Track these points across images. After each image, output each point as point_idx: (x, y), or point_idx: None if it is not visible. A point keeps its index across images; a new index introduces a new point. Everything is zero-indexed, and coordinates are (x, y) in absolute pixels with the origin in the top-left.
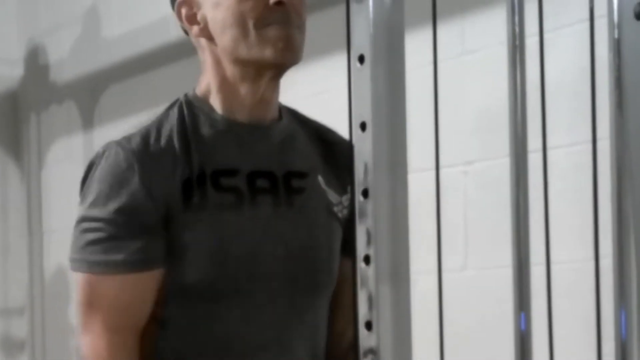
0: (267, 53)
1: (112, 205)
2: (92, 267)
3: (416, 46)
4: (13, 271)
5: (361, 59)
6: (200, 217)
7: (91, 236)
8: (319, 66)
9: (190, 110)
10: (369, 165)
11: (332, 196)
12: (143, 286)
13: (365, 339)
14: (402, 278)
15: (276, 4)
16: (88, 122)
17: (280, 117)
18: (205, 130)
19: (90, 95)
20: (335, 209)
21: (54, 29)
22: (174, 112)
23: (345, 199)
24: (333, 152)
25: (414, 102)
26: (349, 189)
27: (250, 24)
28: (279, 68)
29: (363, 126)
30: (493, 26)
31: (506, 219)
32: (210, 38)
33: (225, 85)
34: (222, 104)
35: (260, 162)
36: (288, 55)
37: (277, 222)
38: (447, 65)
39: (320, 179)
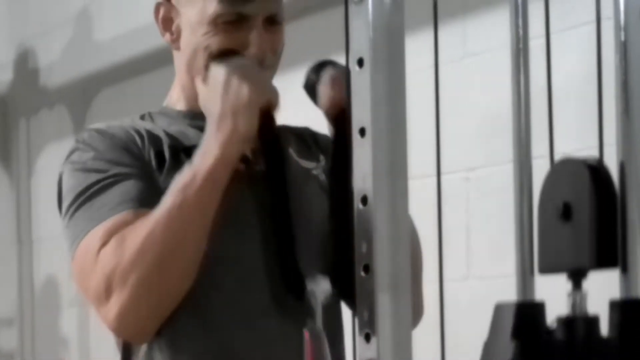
0: None
1: (97, 171)
2: (97, 220)
3: (417, 49)
4: (2, 281)
5: (360, 62)
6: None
7: (88, 203)
8: None
9: (158, 115)
10: (368, 172)
11: (307, 164)
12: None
13: (364, 350)
14: (403, 288)
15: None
16: (80, 127)
17: None
18: (171, 127)
19: (81, 99)
20: (314, 171)
21: (44, 31)
22: (142, 118)
23: (319, 166)
24: (302, 134)
25: (414, 106)
26: (320, 159)
27: (202, 67)
28: None
29: (362, 132)
30: (496, 28)
31: (509, 227)
32: (179, 50)
33: (191, 88)
34: (187, 101)
35: None
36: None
37: (248, 186)
38: (449, 68)
39: (291, 151)
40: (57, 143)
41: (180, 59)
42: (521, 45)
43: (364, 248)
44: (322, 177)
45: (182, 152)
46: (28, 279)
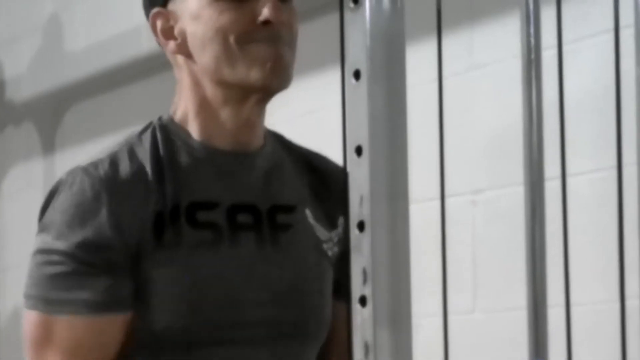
0: (253, 75)
1: (75, 238)
2: (49, 305)
3: (419, 60)
4: None
5: (357, 74)
6: (174, 256)
7: (50, 270)
8: (311, 82)
9: (165, 136)
10: (365, 195)
11: (321, 232)
12: (106, 332)
13: None
14: (403, 322)
15: (263, 23)
16: (49, 145)
17: (264, 143)
18: (181, 158)
19: (51, 115)
20: (325, 246)
21: (10, 40)
22: (147, 137)
23: (335, 235)
24: (323, 181)
25: (416, 123)
26: (339, 222)
27: (232, 39)
28: (266, 92)
29: (359, 150)
30: (505, 37)
31: (520, 255)
32: (188, 55)
33: (204, 108)
34: (201, 129)
35: (242, 194)
36: (277, 80)
37: (260, 262)
38: (454, 81)
39: (308, 212)
40: (25, 163)
41: (191, 66)
42: (532, 56)
43: (360, 278)
44: (335, 250)
45: (185, 213)
46: None
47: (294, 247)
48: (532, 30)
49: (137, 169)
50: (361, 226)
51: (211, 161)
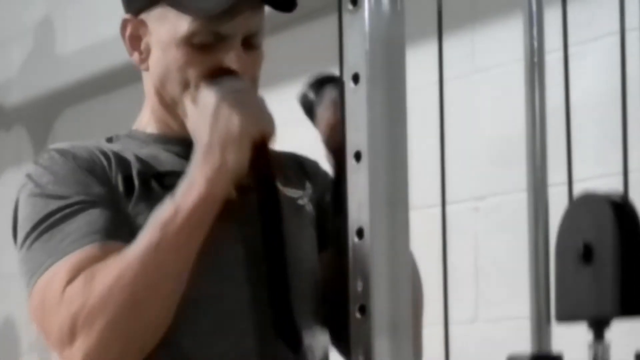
0: None
1: (59, 197)
2: (61, 253)
3: (419, 63)
4: None
5: (355, 78)
6: (144, 210)
7: (47, 235)
8: None
9: (127, 139)
10: (364, 201)
11: (292, 192)
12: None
13: None
14: (403, 331)
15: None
16: (40, 151)
17: None
18: (142, 150)
19: (43, 120)
20: (300, 201)
21: (0, 44)
22: (109, 140)
23: (305, 194)
24: (286, 160)
25: (416, 127)
26: (306, 186)
27: (192, 89)
28: None
29: (358, 156)
30: (508, 40)
31: (523, 264)
32: (148, 71)
33: (161, 111)
34: (158, 125)
35: None
36: None
37: (234, 221)
38: (455, 85)
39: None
40: (16, 168)
41: (149, 80)
42: (536, 59)
43: (359, 286)
44: (309, 207)
45: (153, 178)
46: None
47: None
48: (535, 33)
49: (100, 149)
50: (360, 233)
51: (170, 149)
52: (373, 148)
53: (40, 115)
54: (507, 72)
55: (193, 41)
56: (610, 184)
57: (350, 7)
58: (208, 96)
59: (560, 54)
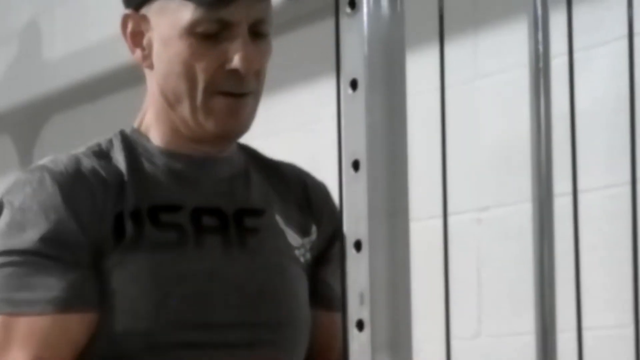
0: (210, 125)
1: (37, 234)
2: (14, 306)
3: (419, 68)
4: None
5: (353, 84)
6: (135, 255)
7: (8, 270)
8: (304, 93)
9: (127, 144)
10: (362, 212)
11: (293, 238)
12: (73, 330)
13: None
14: (403, 347)
15: (233, 69)
16: (27, 159)
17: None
18: (142, 164)
19: (29, 128)
20: (297, 252)
21: None
22: (108, 145)
23: (307, 242)
24: (291, 189)
25: (417, 135)
26: (312, 231)
27: (200, 87)
28: (220, 139)
29: (356, 165)
30: (512, 44)
31: (528, 277)
32: (152, 69)
33: (164, 116)
34: (162, 134)
35: (207, 197)
36: (232, 130)
37: (228, 264)
38: (457, 91)
39: (278, 218)
40: (1, 178)
41: (153, 78)
42: (541, 65)
43: (357, 301)
44: (307, 257)
45: (148, 214)
46: None
47: (263, 250)
48: (540, 37)
49: (97, 170)
50: (358, 246)
51: (172, 167)
52: (372, 157)
53: (26, 123)
54: (512, 78)
55: (197, 30)
56: (618, 195)
57: (348, 9)
58: None
59: (566, 58)
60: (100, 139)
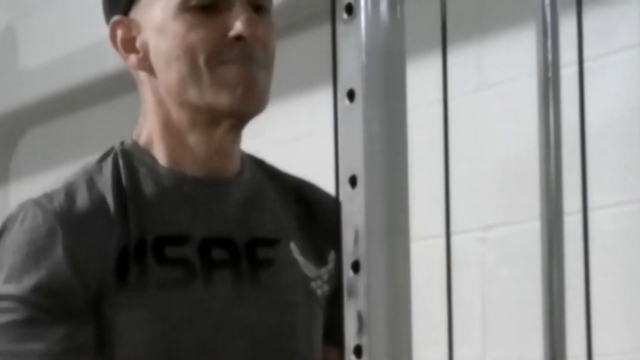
0: (223, 100)
1: (29, 281)
2: (3, 357)
3: (421, 78)
4: None
5: (350, 95)
6: (139, 297)
7: (1, 319)
8: (299, 104)
9: (128, 163)
10: (360, 231)
11: (309, 269)
12: None
13: None
14: None
15: (236, 38)
16: (2, 174)
17: (241, 169)
18: (146, 187)
19: (5, 140)
20: (314, 284)
21: None
22: (107, 165)
23: (325, 272)
24: (311, 212)
25: (418, 150)
26: (329, 258)
27: (202, 59)
28: (237, 118)
29: (353, 181)
30: (519, 53)
31: (536, 299)
32: (151, 72)
33: (170, 131)
34: (167, 153)
35: (216, 226)
36: (249, 104)
37: (238, 304)
38: (461, 102)
39: (293, 246)
40: None
41: (152, 83)
42: (550, 74)
43: (355, 325)
44: (325, 289)
45: (153, 248)
46: None
47: (276, 286)
48: (549, 45)
49: (97, 201)
50: (356, 267)
51: (180, 190)
52: (370, 172)
53: (2, 135)
54: (519, 89)
55: (191, 4)
56: (630, 213)
57: (345, 16)
58: None
59: (576, 68)
60: (99, 152)
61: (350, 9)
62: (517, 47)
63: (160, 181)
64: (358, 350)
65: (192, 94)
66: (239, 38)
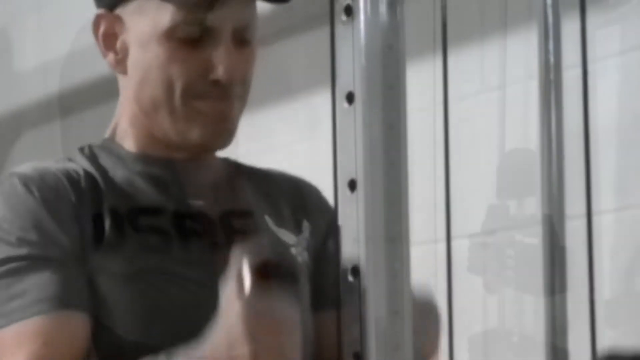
0: (193, 134)
1: (14, 234)
2: (8, 316)
3: (421, 81)
4: None
5: (349, 97)
6: (118, 259)
7: (2, 252)
8: (297, 107)
9: (98, 153)
10: (359, 236)
11: (287, 236)
12: (71, 327)
13: None
14: None
15: (215, 81)
16: None
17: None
18: (116, 172)
19: None
20: (294, 250)
21: None
22: (78, 156)
23: (302, 239)
24: (280, 189)
25: (418, 153)
26: (303, 227)
27: (178, 92)
28: (202, 149)
29: (352, 185)
30: (521, 55)
31: (538, 306)
32: (126, 75)
33: (139, 122)
34: (138, 140)
35: (190, 201)
36: (218, 140)
37: (217, 270)
38: (461, 105)
39: (268, 219)
40: None
41: (127, 84)
42: (552, 77)
43: (354, 331)
44: (305, 256)
45: (127, 217)
46: None
47: None
48: (551, 47)
49: (70, 176)
50: (355, 272)
51: (149, 171)
52: (369, 176)
53: None
54: (520, 91)
55: (177, 34)
56: (634, 217)
57: (343, 17)
58: (232, 301)
59: (579, 70)
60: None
61: (349, 11)
62: (519, 49)
63: (129, 165)
64: (357, 357)
65: (163, 120)
66: (218, 81)
